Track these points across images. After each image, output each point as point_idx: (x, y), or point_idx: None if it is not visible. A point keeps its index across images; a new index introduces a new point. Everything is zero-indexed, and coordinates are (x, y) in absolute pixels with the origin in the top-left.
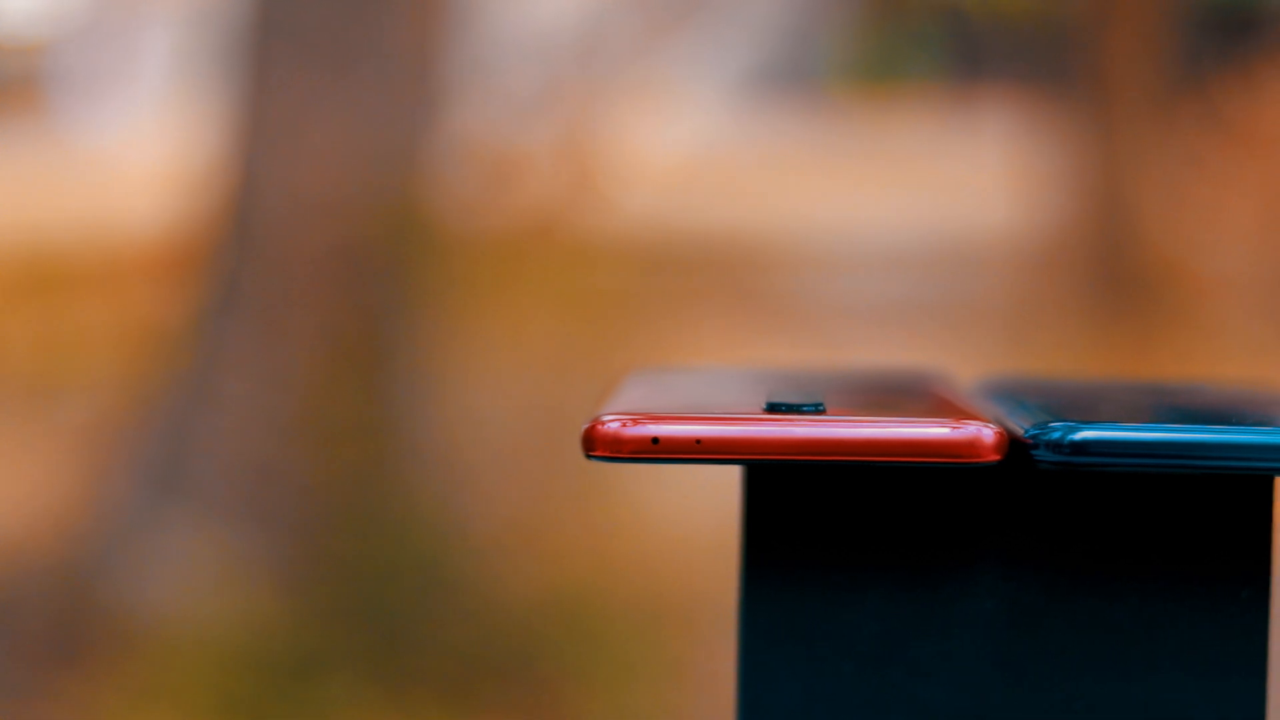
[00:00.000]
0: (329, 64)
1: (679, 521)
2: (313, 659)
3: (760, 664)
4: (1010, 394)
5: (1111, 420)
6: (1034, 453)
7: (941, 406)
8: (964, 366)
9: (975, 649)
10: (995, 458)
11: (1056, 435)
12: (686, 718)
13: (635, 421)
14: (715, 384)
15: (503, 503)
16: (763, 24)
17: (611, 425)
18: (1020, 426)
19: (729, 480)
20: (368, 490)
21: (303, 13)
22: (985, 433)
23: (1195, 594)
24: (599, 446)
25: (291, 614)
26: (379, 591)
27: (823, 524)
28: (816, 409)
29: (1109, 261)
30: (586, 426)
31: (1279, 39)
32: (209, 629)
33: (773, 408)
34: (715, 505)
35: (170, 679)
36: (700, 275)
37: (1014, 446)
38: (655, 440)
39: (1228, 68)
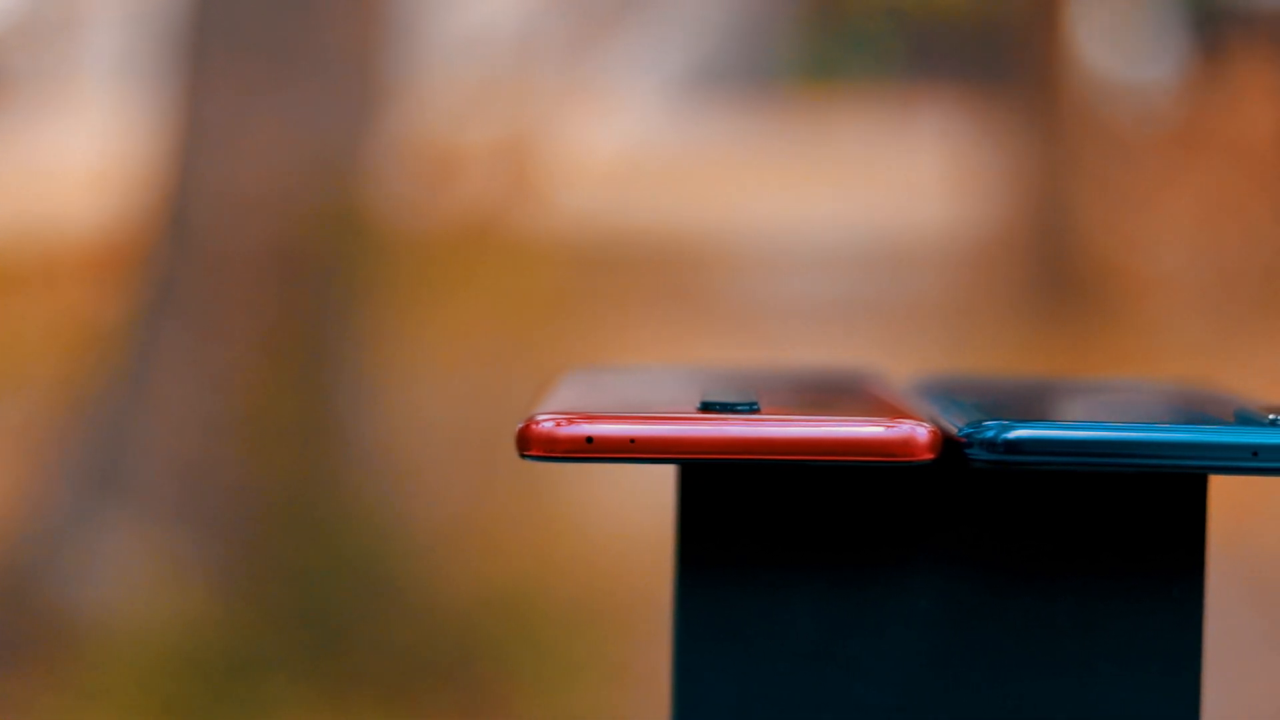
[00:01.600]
0: (267, 64)
1: (618, 520)
2: (251, 659)
3: (695, 662)
4: (945, 393)
5: (1045, 419)
6: (968, 451)
7: (876, 406)
8: (902, 365)
9: (910, 647)
10: (929, 457)
11: (990, 434)
12: (625, 717)
13: (569, 421)
14: (651, 383)
15: (442, 502)
16: (702, 23)
17: (546, 425)
18: (954, 425)
19: (669, 479)
20: (306, 490)
21: (241, 13)
22: (919, 432)
23: (1129, 591)
24: (533, 446)
25: (229, 614)
26: (317, 592)
27: (757, 523)
28: (751, 408)
29: (1047, 260)
30: (521, 426)
31: (1216, 37)
32: (146, 630)
33: (707, 407)
34: (655, 504)
35: (107, 680)
36: (639, 274)
37: (948, 445)
38: (589, 440)
39: (1165, 65)
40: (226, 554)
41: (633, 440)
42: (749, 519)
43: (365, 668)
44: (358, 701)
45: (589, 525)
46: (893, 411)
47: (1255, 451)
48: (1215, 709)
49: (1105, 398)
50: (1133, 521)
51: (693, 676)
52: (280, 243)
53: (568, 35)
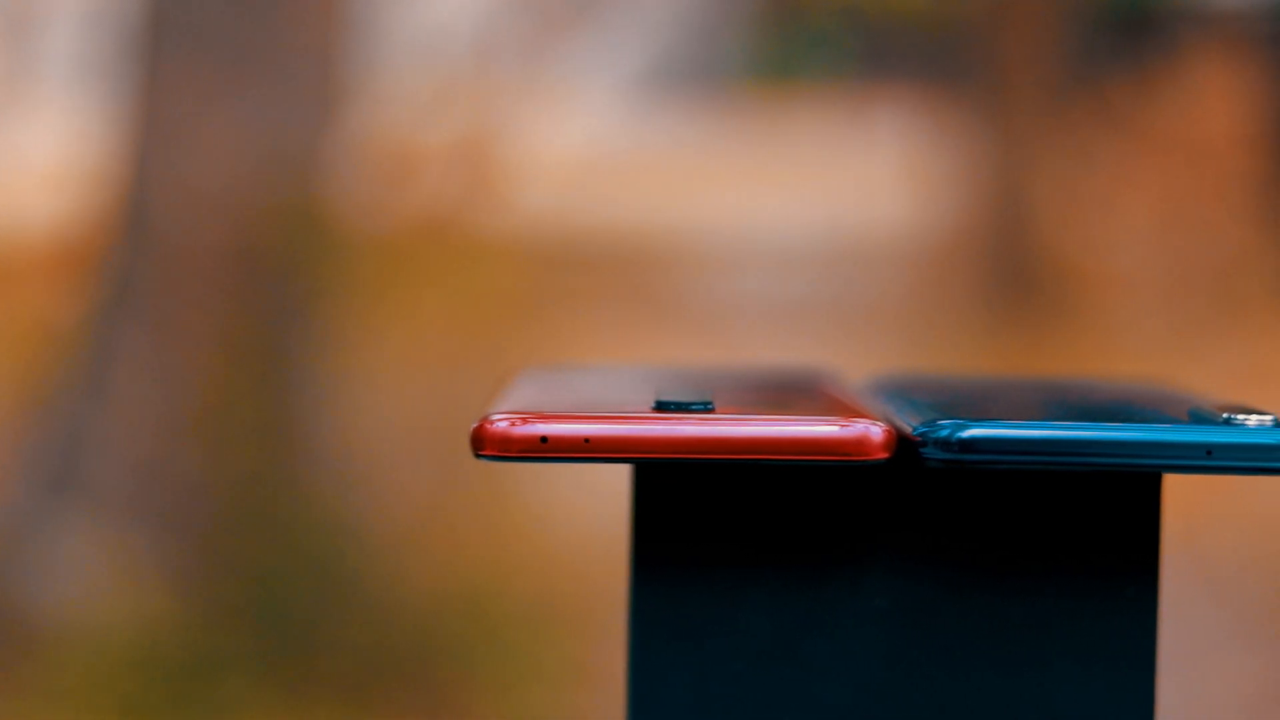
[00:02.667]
0: (225, 63)
1: (578, 519)
2: (209, 660)
3: (650, 662)
4: (900, 392)
5: (1000, 418)
6: (922, 451)
7: (830, 405)
8: (859, 365)
9: (865, 646)
10: (884, 456)
11: (944, 433)
12: (585, 716)
13: (524, 420)
14: (606, 382)
15: (399, 502)
16: (661, 22)
17: (500, 424)
18: (909, 424)
19: (628, 477)
20: (264, 490)
21: (198, 12)
22: (874, 431)
23: (1084, 590)
24: (487, 446)
25: (187, 614)
26: (275, 592)
27: (713, 522)
28: (705, 408)
29: (1004, 259)
30: (475, 426)
31: (1171, 37)
32: (104, 630)
33: (661, 406)
34: (615, 502)
35: (65, 681)
36: (597, 274)
37: (903, 444)
38: (544, 439)
39: (1121, 66)
40: (184, 554)
41: (587, 440)
42: (704, 518)
43: (324, 668)
44: (317, 701)
45: (548, 524)
46: (847, 411)
47: (1209, 450)
48: (1169, 707)
49: (1060, 397)
50: (1087, 520)
51: (648, 676)
52: (238, 242)
53: (526, 35)
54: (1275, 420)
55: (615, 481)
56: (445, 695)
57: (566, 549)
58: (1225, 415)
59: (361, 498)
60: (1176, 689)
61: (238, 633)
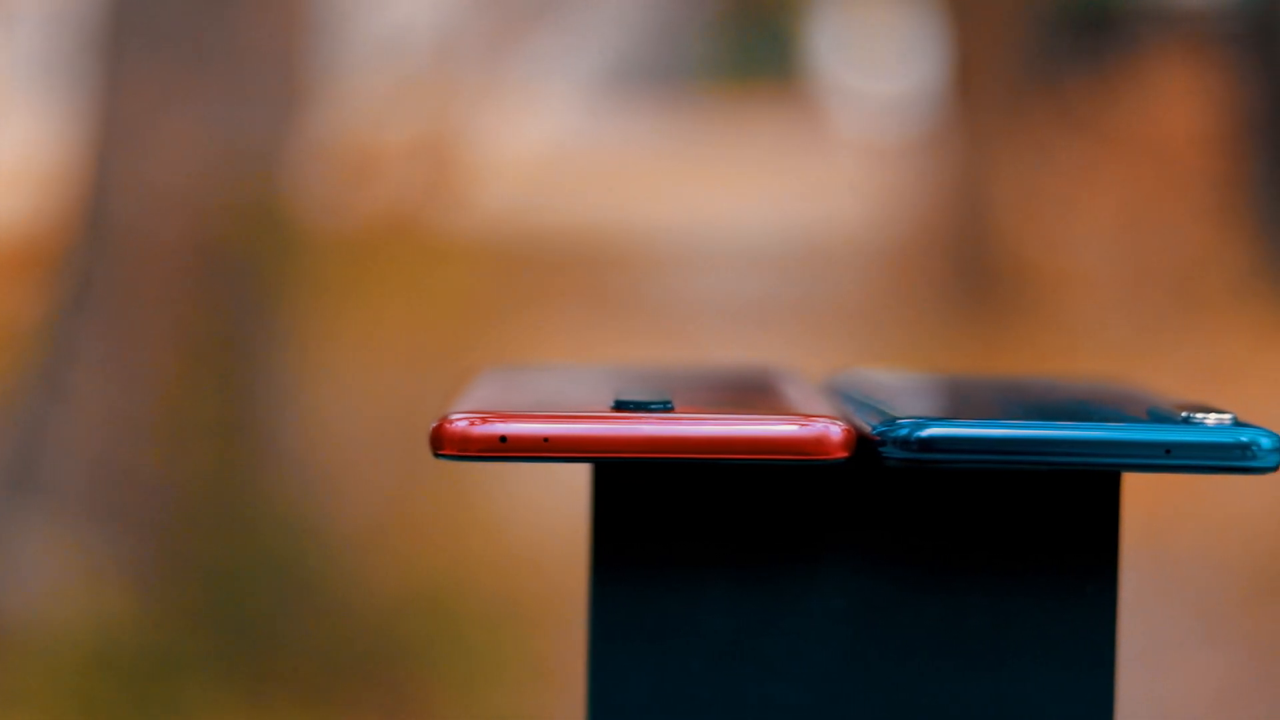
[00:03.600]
0: (186, 62)
1: (539, 518)
2: (169, 660)
3: (610, 661)
4: (860, 391)
5: (959, 417)
6: (881, 450)
7: (789, 404)
8: (820, 363)
9: (824, 646)
10: (843, 455)
11: (903, 432)
12: (546, 715)
13: (483, 420)
14: (566, 382)
15: (360, 502)
16: (622, 22)
17: (459, 424)
18: (868, 424)
19: (588, 476)
20: (224, 490)
21: (158, 10)
22: (833, 430)
23: (1043, 590)
24: (446, 445)
25: (147, 615)
26: (235, 592)
27: (672, 521)
28: (664, 407)
29: (965, 258)
30: (434, 425)
31: (1132, 37)
32: (63, 630)
33: (620, 406)
34: (574, 501)
35: (24, 682)
36: (558, 273)
37: (862, 444)
38: (503, 439)
39: (1081, 65)
40: (144, 554)
41: (546, 439)
42: (663, 517)
43: (285, 668)
44: (277, 702)
45: (510, 523)
46: (806, 410)
47: (1168, 449)
48: (1131, 705)
49: (1020, 395)
50: (1047, 519)
51: (608, 675)
52: (199, 241)
53: (487, 35)
54: (1234, 419)
55: (577, 480)
56: (406, 695)
57: (528, 548)
58: (1184, 414)
59: (322, 497)
60: (1138, 687)
61: (198, 632)
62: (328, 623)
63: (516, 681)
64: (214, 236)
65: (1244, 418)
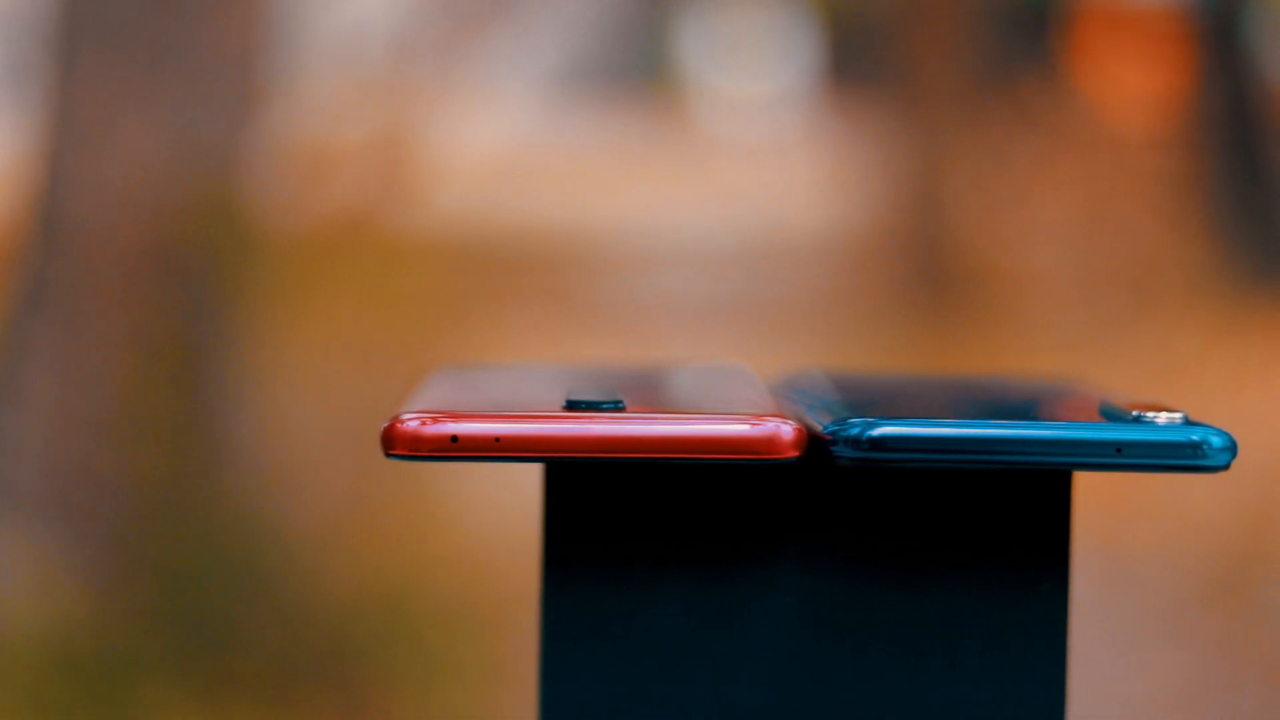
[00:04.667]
0: (141, 61)
1: (494, 518)
2: (125, 661)
3: (561, 662)
4: (812, 390)
5: (910, 416)
6: (833, 449)
7: (741, 403)
8: (775, 363)
9: (777, 646)
10: (794, 454)
11: (855, 431)
12: (501, 716)
13: (434, 420)
14: (518, 381)
15: (316, 502)
16: (579, 21)
17: (410, 424)
18: (820, 423)
19: (541, 476)
20: (180, 490)
21: (112, 10)
22: (784, 429)
23: (996, 589)
24: (398, 445)
25: (103, 615)
26: (192, 593)
27: (624, 521)
28: (616, 406)
29: (920, 257)
30: (385, 425)
31: (1087, 36)
32: (18, 631)
33: (572, 405)
34: (531, 500)
35: None
36: (514, 273)
37: (814, 443)
38: (454, 439)
39: (1037, 64)
40: (99, 554)
41: (498, 439)
42: (615, 517)
43: (241, 669)
44: (234, 702)
45: (466, 523)
46: (758, 409)
47: (1119, 448)
48: (1085, 705)
49: (972, 394)
50: (999, 518)
51: (559, 676)
52: (154, 241)
53: (442, 34)
54: (1185, 418)
55: (533, 479)
56: (363, 695)
57: (485, 547)
58: (1136, 413)
59: (278, 497)
60: (1095, 686)
61: (153, 633)
62: (284, 623)
63: (473, 681)
64: (170, 236)
65: (1196, 416)
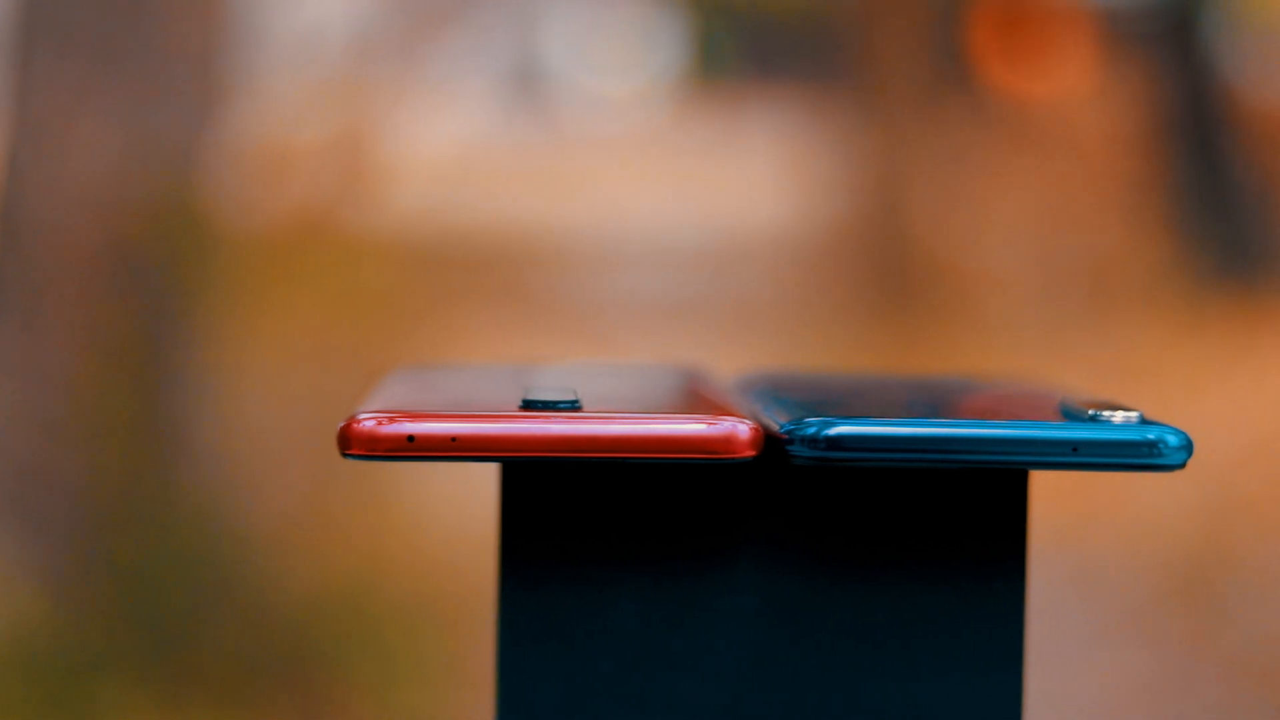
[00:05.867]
0: (98, 61)
1: (453, 518)
2: (82, 661)
3: (519, 661)
4: (769, 390)
5: (867, 415)
6: (789, 448)
7: (698, 403)
8: (735, 363)
9: (734, 645)
10: (751, 453)
11: (811, 431)
12: (461, 715)
13: (391, 419)
14: (476, 381)
15: (275, 502)
16: (536, 21)
17: (366, 424)
18: (776, 422)
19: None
20: (138, 490)
21: (70, 10)
22: (740, 429)
23: (952, 587)
24: (354, 445)
25: (60, 616)
26: (150, 592)
27: (580, 521)
28: (572, 406)
29: (879, 257)
30: (342, 425)
31: (1047, 36)
32: None
33: (528, 405)
34: (487, 501)
35: None
36: (473, 272)
37: (770, 442)
38: (410, 438)
39: (997, 65)
40: (58, 554)
41: (454, 439)
42: (572, 517)
43: (199, 669)
44: (192, 702)
45: (425, 522)
46: (715, 409)
47: (1075, 447)
48: (1044, 704)
49: (929, 394)
50: (955, 517)
51: (517, 676)
52: (113, 241)
53: (402, 33)
54: (1141, 417)
55: (488, 478)
56: (322, 695)
57: (444, 547)
58: (1092, 412)
59: (237, 497)
60: (1053, 685)
61: (112, 633)
62: (243, 623)
63: (432, 680)
64: (128, 236)
65: (1154, 415)
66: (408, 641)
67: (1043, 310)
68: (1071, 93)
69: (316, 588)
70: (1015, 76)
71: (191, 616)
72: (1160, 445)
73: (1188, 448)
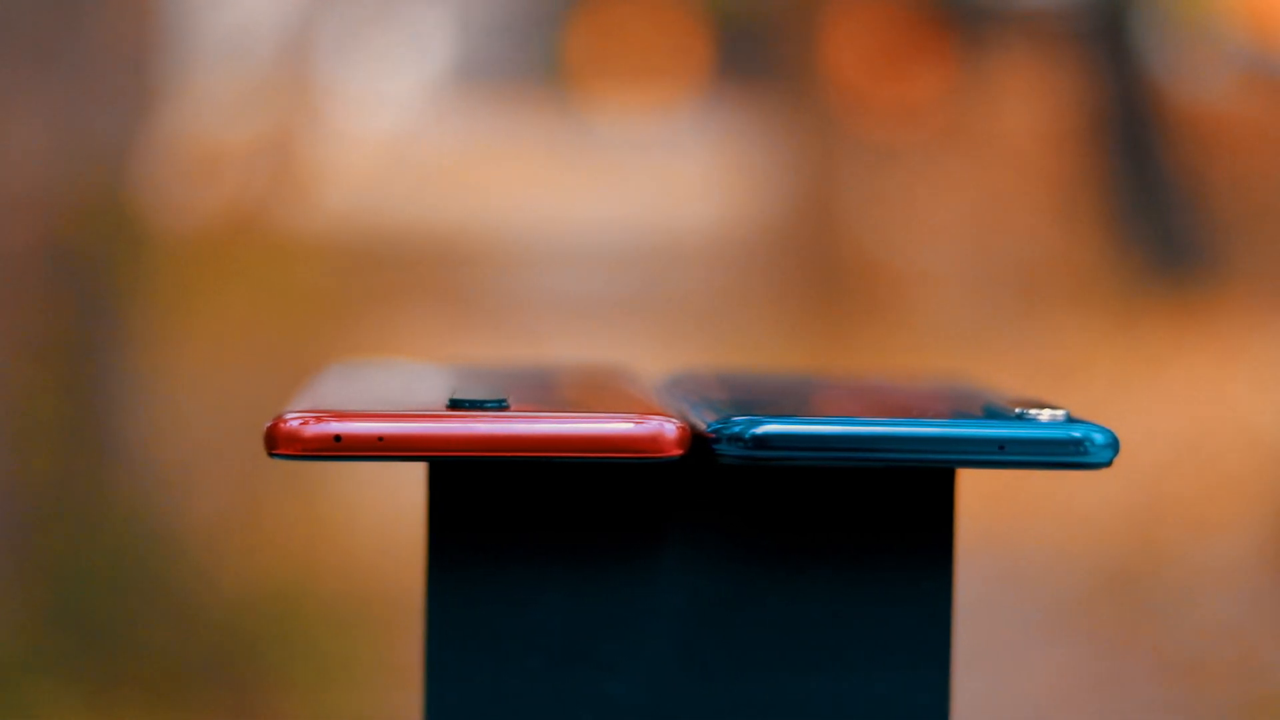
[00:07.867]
0: (30, 60)
1: (384, 518)
2: (12, 663)
3: (446, 662)
4: (697, 389)
5: (794, 414)
6: (716, 447)
7: (625, 402)
8: (666, 362)
9: (662, 644)
10: (678, 453)
11: (737, 429)
12: (391, 715)
13: (317, 419)
14: (404, 380)
15: (207, 503)
16: (470, 20)
17: (293, 423)
18: (703, 421)
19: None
20: (68, 491)
21: (2, 8)
22: (667, 428)
23: (880, 586)
24: (281, 444)
25: None
26: (80, 593)
27: (507, 520)
28: (499, 405)
29: (811, 257)
30: (268, 425)
31: (979, 36)
32: None
33: (456, 404)
34: (418, 501)
35: None
36: (406, 271)
37: (697, 441)
38: (337, 438)
39: (929, 65)
40: None
41: (381, 439)
42: (499, 516)
43: (129, 669)
44: (124, 703)
45: (357, 522)
46: (642, 408)
47: (1001, 445)
48: (973, 703)
49: (857, 393)
50: (883, 516)
51: (444, 676)
52: (44, 241)
53: (334, 33)
54: (1067, 415)
55: (420, 478)
56: (254, 696)
57: (375, 547)
58: (1018, 410)
59: (168, 498)
60: (982, 684)
61: (42, 634)
62: (175, 623)
63: (363, 680)
64: (59, 236)
65: (1083, 414)
66: (339, 641)
67: (973, 309)
68: (1003, 91)
69: (248, 588)
70: (946, 75)
71: (122, 617)
72: (1086, 443)
73: (1114, 446)
